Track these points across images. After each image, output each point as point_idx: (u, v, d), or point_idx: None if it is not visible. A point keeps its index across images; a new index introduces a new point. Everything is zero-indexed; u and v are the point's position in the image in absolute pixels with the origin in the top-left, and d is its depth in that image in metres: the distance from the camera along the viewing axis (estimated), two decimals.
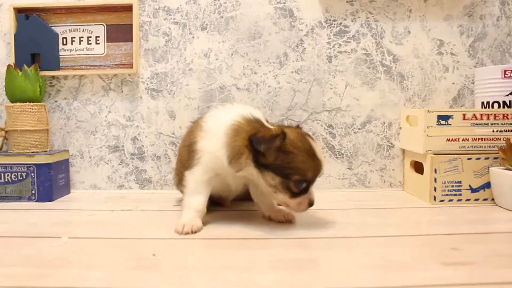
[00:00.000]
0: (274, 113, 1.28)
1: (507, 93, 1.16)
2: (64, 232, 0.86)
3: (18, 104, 1.19)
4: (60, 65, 1.27)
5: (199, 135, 0.91)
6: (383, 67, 1.28)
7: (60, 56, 1.28)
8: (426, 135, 1.10)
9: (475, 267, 0.67)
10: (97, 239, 0.84)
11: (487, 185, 1.09)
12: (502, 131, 1.11)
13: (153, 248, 0.77)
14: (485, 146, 1.11)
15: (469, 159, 1.09)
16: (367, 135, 1.29)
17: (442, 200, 1.10)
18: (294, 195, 0.84)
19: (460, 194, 1.10)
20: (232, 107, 0.95)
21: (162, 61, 1.28)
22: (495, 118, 1.11)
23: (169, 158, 1.29)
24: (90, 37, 1.28)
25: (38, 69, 1.23)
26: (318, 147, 0.87)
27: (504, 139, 1.08)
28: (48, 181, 1.16)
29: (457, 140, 1.10)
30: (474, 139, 1.11)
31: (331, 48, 1.28)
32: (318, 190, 1.25)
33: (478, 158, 1.10)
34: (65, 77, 1.30)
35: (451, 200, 1.10)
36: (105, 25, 1.27)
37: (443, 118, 1.11)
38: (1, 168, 1.15)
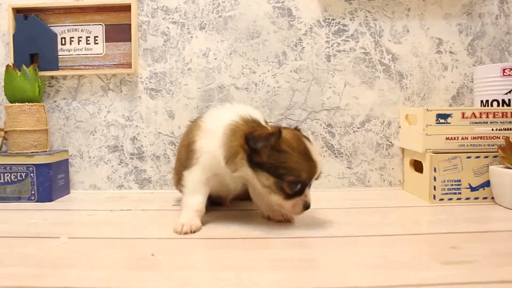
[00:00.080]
0: (273, 112, 1.28)
1: (506, 91, 1.16)
2: (63, 232, 0.86)
3: (17, 104, 1.19)
4: (59, 65, 1.27)
5: (197, 134, 0.91)
6: (382, 66, 1.28)
7: (59, 56, 1.27)
8: (425, 133, 1.10)
9: (475, 266, 0.67)
10: (96, 239, 0.84)
11: (487, 183, 1.09)
12: (501, 130, 1.11)
13: (152, 248, 0.77)
14: (484, 145, 1.11)
15: (468, 157, 1.09)
16: (366, 134, 1.29)
17: (441, 199, 1.10)
18: (288, 196, 0.83)
19: (459, 193, 1.10)
20: (231, 107, 0.95)
21: (161, 60, 1.28)
22: (494, 117, 1.11)
23: (169, 158, 1.29)
24: (89, 37, 1.28)
25: (37, 69, 1.23)
26: (315, 149, 0.86)
27: (504, 137, 1.08)
28: (48, 181, 1.16)
29: (456, 138, 1.10)
30: (473, 137, 1.11)
31: (330, 47, 1.28)
32: (317, 189, 1.27)
33: (478, 157, 1.10)
34: (64, 77, 1.29)
35: (450, 199, 1.10)
36: (103, 25, 1.27)
37: (442, 117, 1.11)
38: (1, 168, 1.15)
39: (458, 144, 1.10)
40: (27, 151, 1.18)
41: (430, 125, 1.10)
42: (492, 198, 1.09)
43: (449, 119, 1.10)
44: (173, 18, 1.27)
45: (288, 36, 1.28)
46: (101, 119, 1.30)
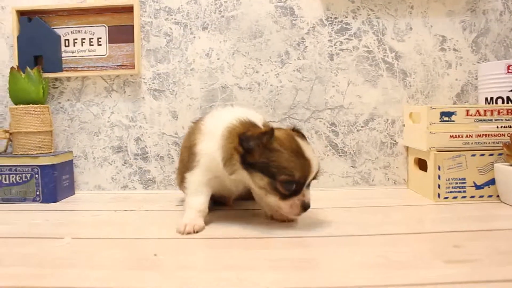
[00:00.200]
0: (276, 112, 1.28)
1: (511, 88, 1.14)
2: (68, 233, 0.87)
3: (21, 106, 1.19)
4: (63, 67, 1.28)
5: (198, 137, 0.92)
6: (385, 64, 1.28)
7: (62, 58, 1.28)
8: (429, 132, 1.10)
9: (477, 264, 0.67)
10: (99, 239, 0.84)
11: (492, 181, 1.08)
12: (506, 127, 1.10)
13: (155, 248, 0.77)
14: (489, 142, 1.10)
15: (473, 155, 1.09)
16: (370, 132, 1.29)
17: (446, 198, 1.09)
18: (284, 196, 0.83)
19: (464, 191, 1.09)
20: (232, 110, 0.96)
21: (164, 61, 1.28)
22: (499, 114, 1.10)
23: (172, 158, 1.30)
24: (92, 38, 1.28)
25: (41, 71, 1.24)
26: (310, 148, 0.85)
27: (508, 135, 1.07)
28: (52, 182, 1.16)
29: (460, 136, 1.10)
30: (478, 135, 1.10)
31: (332, 46, 1.27)
32: (321, 188, 1.27)
33: (482, 155, 1.09)
34: (68, 79, 1.30)
35: (455, 197, 1.09)
36: (106, 26, 1.28)
37: (446, 115, 1.10)
38: (6, 169, 1.16)
39: (462, 142, 1.09)
40: (32, 153, 1.19)
41: (434, 123, 1.10)
42: (497, 196, 1.08)
43: (453, 117, 1.10)
44: (175, 19, 1.28)
45: (291, 35, 1.27)
46: (105, 120, 1.30)
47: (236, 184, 0.94)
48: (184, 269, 0.68)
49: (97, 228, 0.93)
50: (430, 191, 1.11)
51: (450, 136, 1.09)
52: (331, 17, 1.27)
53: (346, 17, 1.27)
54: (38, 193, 1.16)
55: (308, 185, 0.85)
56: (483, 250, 0.73)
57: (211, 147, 0.88)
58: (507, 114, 1.10)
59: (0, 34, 1.30)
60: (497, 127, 1.10)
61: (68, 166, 1.25)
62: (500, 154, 1.08)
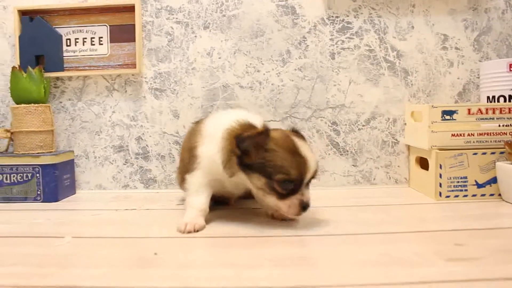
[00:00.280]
0: (277, 111, 1.28)
1: None
2: (68, 232, 0.87)
3: (23, 105, 1.20)
4: (64, 66, 1.28)
5: (199, 140, 0.93)
6: (386, 63, 1.27)
7: (64, 57, 1.28)
8: (431, 130, 1.09)
9: (479, 262, 0.67)
10: (100, 238, 0.84)
11: (494, 180, 1.08)
12: (508, 126, 1.09)
13: (155, 247, 0.77)
14: (491, 141, 1.09)
15: (474, 154, 1.08)
16: (371, 131, 1.28)
17: (448, 196, 1.09)
18: (281, 196, 0.83)
19: (466, 190, 1.09)
20: (232, 112, 0.96)
21: (165, 60, 1.28)
22: (500, 112, 1.09)
23: (173, 158, 1.30)
24: (94, 38, 1.28)
25: (43, 70, 1.24)
26: (306, 147, 0.84)
27: (510, 133, 1.07)
28: (54, 182, 1.16)
29: (462, 135, 1.09)
30: (479, 134, 1.09)
31: (334, 45, 1.27)
32: (322, 187, 1.27)
33: (484, 153, 1.08)
34: (69, 78, 1.30)
35: (457, 196, 1.09)
36: (108, 26, 1.28)
37: (448, 113, 1.09)
38: (7, 169, 1.16)
39: (464, 141, 1.09)
40: (33, 152, 1.19)
41: (436, 122, 1.09)
42: (499, 194, 1.08)
43: (454, 116, 1.09)
44: (177, 18, 1.28)
45: (292, 34, 1.27)
46: (106, 120, 1.30)
47: (236, 186, 0.94)
48: (184, 268, 0.68)
49: (98, 227, 0.93)
50: (432, 190, 1.11)
51: (452, 134, 1.09)
52: (332, 16, 1.27)
53: (348, 16, 1.27)
54: (39, 192, 1.16)
55: (307, 184, 0.84)
56: (485, 248, 0.73)
57: (211, 150, 0.88)
58: (509, 113, 1.09)
59: (1, 34, 1.30)
60: (499, 125, 1.09)
61: (69, 166, 1.25)
62: (502, 153, 1.08)
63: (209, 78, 1.28)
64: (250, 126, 0.87)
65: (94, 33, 1.28)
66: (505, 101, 1.15)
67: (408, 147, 1.28)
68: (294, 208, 0.83)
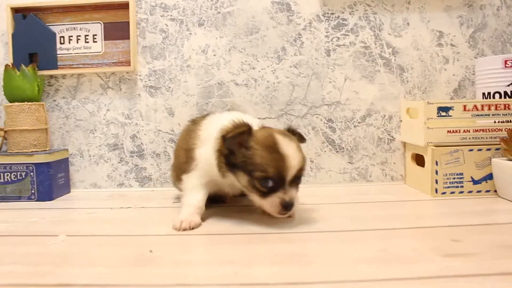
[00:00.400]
0: (273, 108, 1.27)
1: (508, 83, 1.14)
2: (63, 231, 0.86)
3: (16, 103, 1.19)
4: (58, 64, 1.27)
5: (195, 143, 0.94)
6: (382, 59, 1.27)
7: (58, 55, 1.27)
8: (427, 127, 1.09)
9: (476, 258, 0.67)
10: (96, 237, 0.83)
11: (489, 176, 1.08)
12: (503, 122, 1.10)
13: (151, 245, 0.77)
14: (486, 137, 1.10)
15: (470, 150, 1.08)
16: (367, 128, 1.28)
17: (444, 193, 1.09)
18: (263, 194, 0.82)
19: (462, 186, 1.09)
20: (228, 114, 0.95)
21: (160, 58, 1.28)
22: (496, 109, 1.09)
23: (169, 155, 1.29)
24: (88, 35, 1.27)
25: (36, 68, 1.23)
26: (289, 145, 0.82)
27: (506, 129, 1.07)
28: (48, 180, 1.15)
29: (458, 131, 1.09)
30: (475, 130, 1.09)
31: (329, 42, 1.27)
32: (318, 184, 1.26)
33: (480, 150, 1.08)
34: (63, 76, 1.29)
35: (453, 193, 1.09)
36: (102, 23, 1.27)
37: (444, 110, 1.09)
38: (1, 168, 1.15)
39: (460, 137, 1.09)
40: (27, 151, 1.18)
41: (432, 118, 1.09)
42: (495, 191, 1.08)
43: (450, 112, 1.09)
44: (171, 15, 1.27)
45: (287, 31, 1.27)
46: (101, 118, 1.29)
47: (232, 187, 0.94)
48: (181, 265, 0.67)
49: (93, 225, 0.92)
50: (428, 187, 1.11)
51: (448, 131, 1.09)
52: (327, 13, 1.27)
53: (343, 12, 1.27)
54: (33, 191, 1.15)
55: (294, 183, 0.83)
56: (481, 244, 0.73)
57: (207, 152, 0.89)
58: (505, 109, 1.09)
59: None
60: (495, 122, 1.10)
61: (63, 164, 1.24)
62: (497, 149, 1.08)
63: (204, 75, 1.28)
64: (242, 126, 0.87)
65: (88, 31, 1.27)
66: (500, 97, 1.15)
67: (404, 144, 1.28)
68: (276, 207, 0.82)
